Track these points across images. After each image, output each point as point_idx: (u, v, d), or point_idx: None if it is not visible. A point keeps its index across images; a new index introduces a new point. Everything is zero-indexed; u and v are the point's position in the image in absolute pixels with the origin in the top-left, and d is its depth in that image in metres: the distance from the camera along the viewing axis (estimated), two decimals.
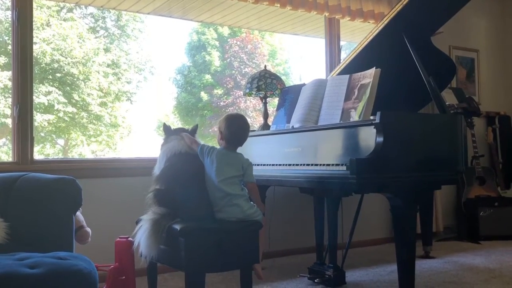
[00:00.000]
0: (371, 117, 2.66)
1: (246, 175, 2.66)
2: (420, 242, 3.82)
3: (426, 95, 3.14)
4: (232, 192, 2.58)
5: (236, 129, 2.71)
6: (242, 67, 13.77)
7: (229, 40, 14.10)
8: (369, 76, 2.87)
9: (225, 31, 14.05)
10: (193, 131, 2.89)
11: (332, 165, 2.72)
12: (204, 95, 13.63)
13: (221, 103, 13.46)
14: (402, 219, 2.59)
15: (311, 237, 3.54)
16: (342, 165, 2.62)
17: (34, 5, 3.52)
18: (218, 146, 2.77)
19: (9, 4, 3.46)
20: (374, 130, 2.54)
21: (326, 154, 2.88)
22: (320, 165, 2.83)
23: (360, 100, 2.84)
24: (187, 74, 14.19)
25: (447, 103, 3.60)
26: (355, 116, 2.82)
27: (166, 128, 2.90)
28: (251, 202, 2.65)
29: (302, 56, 17.67)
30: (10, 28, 3.54)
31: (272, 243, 3.85)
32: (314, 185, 2.91)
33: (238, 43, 14.00)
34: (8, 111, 9.23)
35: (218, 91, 13.61)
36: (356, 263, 3.85)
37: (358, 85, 2.91)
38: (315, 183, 2.83)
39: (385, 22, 3.32)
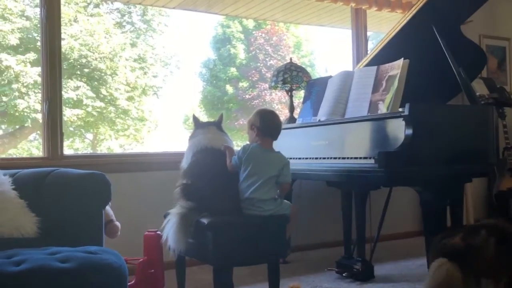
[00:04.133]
0: (400, 109, 2.62)
1: (282, 175, 2.61)
2: None
3: (456, 86, 3.08)
4: (262, 198, 2.54)
5: (271, 120, 2.68)
6: (267, 59, 13.71)
7: (254, 32, 14.05)
8: (397, 67, 2.82)
9: (250, 23, 14.00)
10: (219, 122, 2.89)
11: (360, 158, 2.70)
12: (229, 88, 13.64)
13: (247, 96, 13.44)
14: (432, 213, 2.56)
15: (339, 230, 3.52)
16: (370, 158, 2.59)
17: (62, 1, 3.56)
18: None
19: (37, 1, 3.51)
20: (403, 123, 2.50)
21: (353, 147, 2.85)
22: (348, 158, 2.80)
23: (388, 92, 2.80)
24: (212, 67, 14.20)
25: (477, 94, 3.53)
26: (383, 108, 2.78)
27: (195, 120, 2.92)
28: (278, 199, 2.63)
29: (326, 49, 17.53)
30: (39, 25, 3.59)
31: (300, 236, 3.83)
32: (341, 179, 2.89)
33: (263, 35, 13.94)
34: (38, 106, 9.41)
35: (244, 84, 13.59)
36: (384, 257, 3.80)
37: (386, 77, 2.87)
38: (342, 176, 2.81)
39: (413, 12, 3.26)
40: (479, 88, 4.54)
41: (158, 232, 2.76)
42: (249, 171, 2.57)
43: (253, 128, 2.68)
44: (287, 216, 2.59)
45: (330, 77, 3.37)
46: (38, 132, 10.22)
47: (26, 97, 10.08)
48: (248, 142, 2.75)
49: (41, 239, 2.20)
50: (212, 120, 2.98)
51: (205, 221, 2.43)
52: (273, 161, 2.61)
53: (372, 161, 2.53)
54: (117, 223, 2.85)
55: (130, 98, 11.96)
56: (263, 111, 2.73)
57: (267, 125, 2.65)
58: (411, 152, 2.44)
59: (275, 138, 2.70)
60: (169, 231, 2.49)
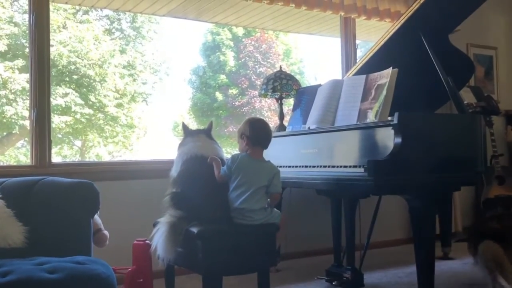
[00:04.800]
0: (389, 118, 2.63)
1: (272, 185, 2.59)
2: (438, 243, 3.77)
3: (444, 94, 3.10)
4: (252, 208, 2.53)
5: (261, 130, 2.66)
6: (257, 66, 13.76)
7: (243, 40, 14.10)
8: (386, 76, 2.84)
9: (240, 31, 14.05)
10: (209, 130, 2.88)
11: (350, 166, 2.70)
12: (219, 95, 13.65)
13: (236, 103, 13.47)
14: (421, 220, 2.56)
15: (329, 238, 3.52)
16: (359, 166, 2.59)
17: (51, 7, 3.55)
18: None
19: (26, 7, 3.49)
20: (392, 131, 2.51)
21: (343, 155, 2.86)
22: (337, 166, 2.80)
23: (377, 101, 2.81)
24: (202, 74, 14.21)
25: (465, 102, 3.55)
26: (371, 117, 2.79)
27: (185, 127, 2.90)
28: (268, 208, 2.62)
29: (315, 58, 17.61)
30: (27, 31, 3.57)
31: (289, 244, 3.83)
32: (331, 187, 2.89)
33: (253, 43, 13.99)
34: (26, 113, 9.34)
35: (233, 91, 13.62)
36: (374, 264, 3.81)
37: (375, 85, 2.88)
38: (332, 185, 2.81)
39: (402, 21, 3.29)
40: (467, 96, 4.58)
41: (147, 241, 2.74)
42: (238, 181, 2.56)
43: (243, 137, 2.67)
44: (277, 225, 2.59)
45: (320, 85, 3.38)
46: (26, 139, 10.14)
47: (14, 104, 10.02)
48: (238, 151, 2.75)
49: (28, 249, 2.18)
50: (201, 127, 2.97)
51: (194, 230, 2.42)
52: (263, 171, 2.60)
53: (362, 169, 2.53)
54: (106, 232, 2.82)
55: (119, 105, 11.92)
56: (253, 120, 2.72)
57: (257, 134, 2.64)
58: (400, 161, 2.45)
59: (265, 147, 2.69)
60: (158, 240, 2.47)
